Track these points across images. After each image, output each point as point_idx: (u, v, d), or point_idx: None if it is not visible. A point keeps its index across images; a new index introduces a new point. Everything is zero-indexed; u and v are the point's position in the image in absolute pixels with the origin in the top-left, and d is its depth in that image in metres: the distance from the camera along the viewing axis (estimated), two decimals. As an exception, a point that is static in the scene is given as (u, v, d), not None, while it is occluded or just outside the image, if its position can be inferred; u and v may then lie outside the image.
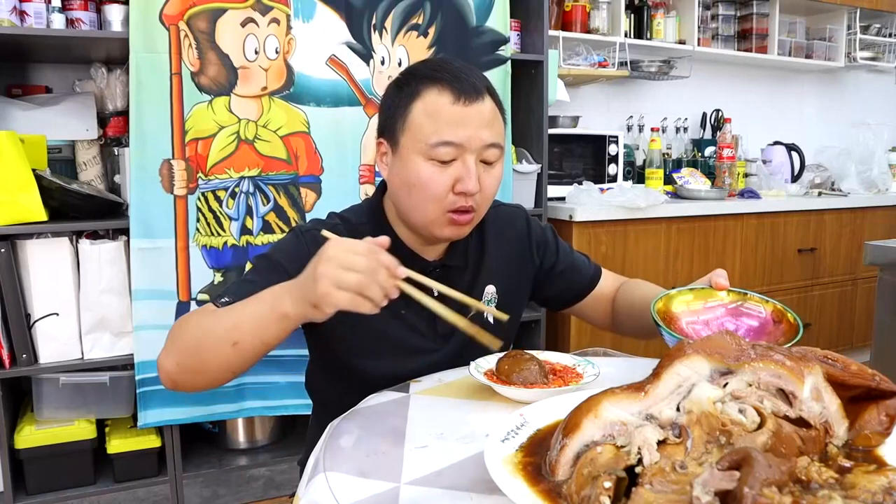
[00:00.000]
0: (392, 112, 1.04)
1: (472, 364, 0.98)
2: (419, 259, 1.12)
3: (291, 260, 1.04)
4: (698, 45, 3.21)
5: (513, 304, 1.21)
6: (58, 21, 1.87)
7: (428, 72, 1.03)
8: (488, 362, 1.00)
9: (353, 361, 1.09)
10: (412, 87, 1.02)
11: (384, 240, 0.85)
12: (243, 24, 1.94)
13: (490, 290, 1.18)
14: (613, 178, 2.85)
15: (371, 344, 1.08)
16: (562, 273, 1.26)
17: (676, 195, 2.96)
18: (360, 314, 0.81)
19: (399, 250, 1.11)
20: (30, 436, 1.92)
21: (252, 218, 2.01)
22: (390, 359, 1.08)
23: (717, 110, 3.48)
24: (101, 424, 2.07)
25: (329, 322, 0.87)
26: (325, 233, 0.94)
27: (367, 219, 1.13)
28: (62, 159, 2.15)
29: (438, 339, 1.12)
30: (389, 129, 1.05)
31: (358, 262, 0.79)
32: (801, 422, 0.65)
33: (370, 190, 2.14)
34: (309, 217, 2.06)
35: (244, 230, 2.01)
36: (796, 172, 3.44)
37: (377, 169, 1.12)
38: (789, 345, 0.85)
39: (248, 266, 1.99)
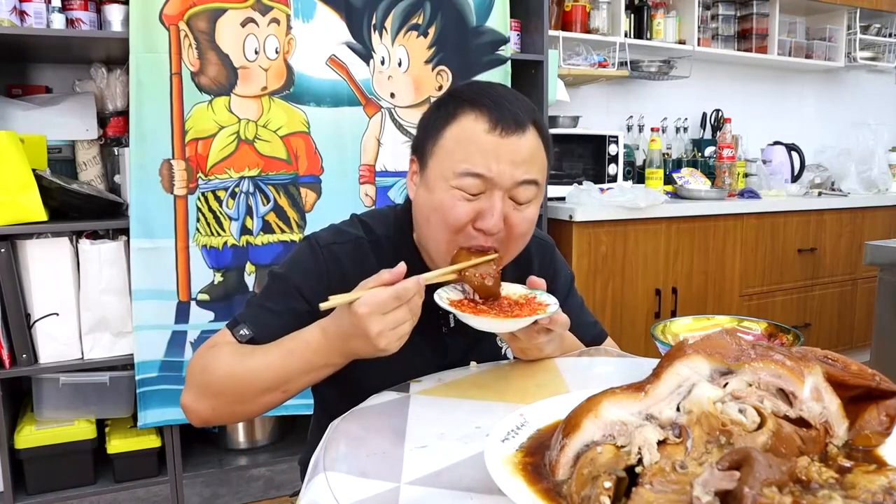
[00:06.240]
0: (426, 132, 0.99)
1: (436, 294, 0.92)
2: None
3: (309, 279, 1.01)
4: (698, 45, 3.21)
5: None
6: (58, 21, 1.87)
7: (469, 95, 0.96)
8: (453, 289, 0.95)
9: (357, 375, 1.05)
10: (449, 109, 0.96)
11: (401, 269, 0.86)
12: (243, 24, 1.94)
13: None
14: (613, 178, 2.85)
15: (374, 363, 0.99)
16: None
17: (676, 195, 2.96)
18: None
19: (420, 273, 1.04)
20: (30, 436, 1.92)
21: (252, 218, 2.01)
22: (393, 376, 1.02)
23: (717, 110, 3.47)
24: (101, 424, 2.07)
25: None
26: (331, 300, 0.86)
27: (393, 232, 1.08)
28: (62, 159, 2.15)
29: (445, 363, 1.08)
30: (421, 148, 1.00)
31: (400, 315, 0.84)
32: (801, 422, 0.64)
33: (370, 190, 2.14)
34: (309, 217, 2.06)
35: (244, 230, 2.01)
36: (796, 172, 3.45)
37: (406, 187, 1.12)
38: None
39: (252, 269, 2.01)
